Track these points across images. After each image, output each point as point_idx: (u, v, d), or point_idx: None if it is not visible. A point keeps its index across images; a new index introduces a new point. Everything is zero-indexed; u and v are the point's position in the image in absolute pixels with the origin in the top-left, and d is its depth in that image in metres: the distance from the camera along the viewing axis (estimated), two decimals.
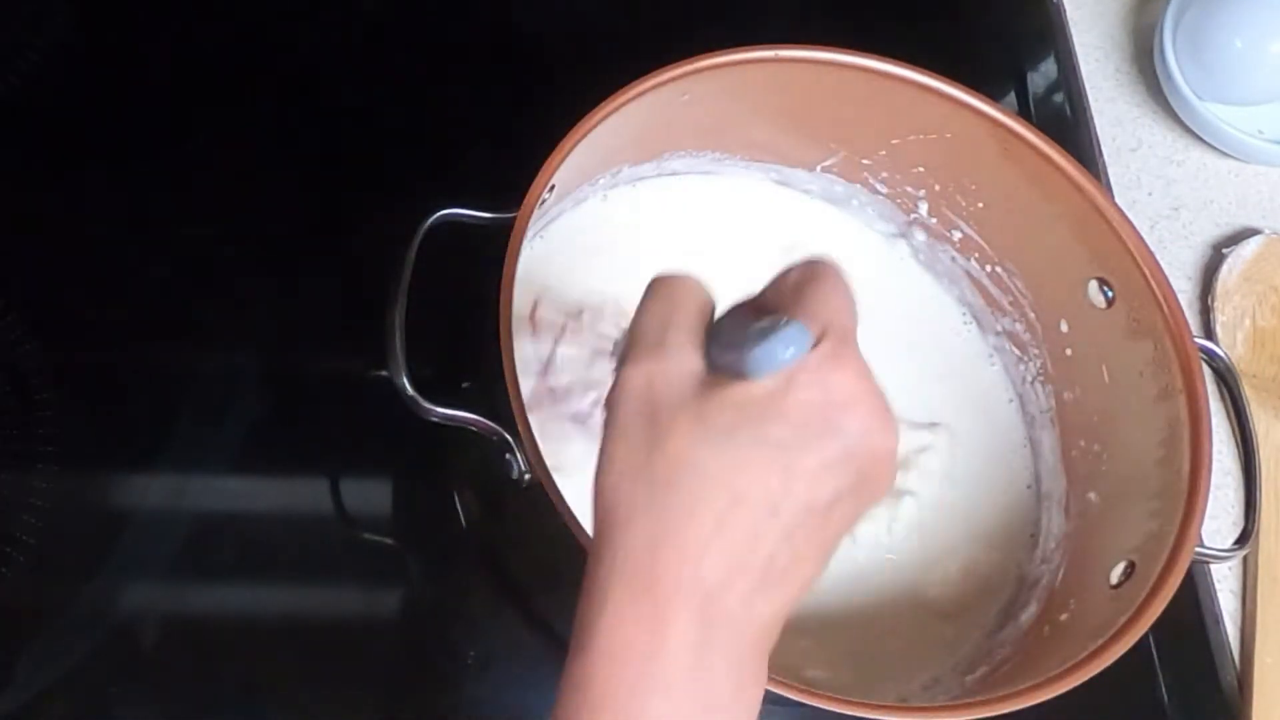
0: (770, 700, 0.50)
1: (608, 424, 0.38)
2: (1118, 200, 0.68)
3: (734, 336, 0.38)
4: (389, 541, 0.64)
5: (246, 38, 0.76)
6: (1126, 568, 0.55)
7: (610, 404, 0.39)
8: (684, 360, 0.38)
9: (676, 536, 0.36)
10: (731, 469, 0.36)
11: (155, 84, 0.73)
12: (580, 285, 0.64)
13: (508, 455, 0.51)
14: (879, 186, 0.69)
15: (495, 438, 0.51)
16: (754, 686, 0.37)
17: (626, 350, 0.39)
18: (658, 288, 0.41)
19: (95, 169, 0.70)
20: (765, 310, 0.40)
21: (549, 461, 0.50)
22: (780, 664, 0.57)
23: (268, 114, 0.73)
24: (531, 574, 0.61)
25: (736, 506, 0.36)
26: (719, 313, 0.41)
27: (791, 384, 0.36)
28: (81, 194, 0.69)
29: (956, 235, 0.68)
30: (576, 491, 0.57)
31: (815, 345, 0.37)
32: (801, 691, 0.48)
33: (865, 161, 0.68)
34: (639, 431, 0.37)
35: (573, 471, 0.59)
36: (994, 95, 0.66)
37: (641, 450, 0.37)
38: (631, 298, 0.42)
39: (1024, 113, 0.81)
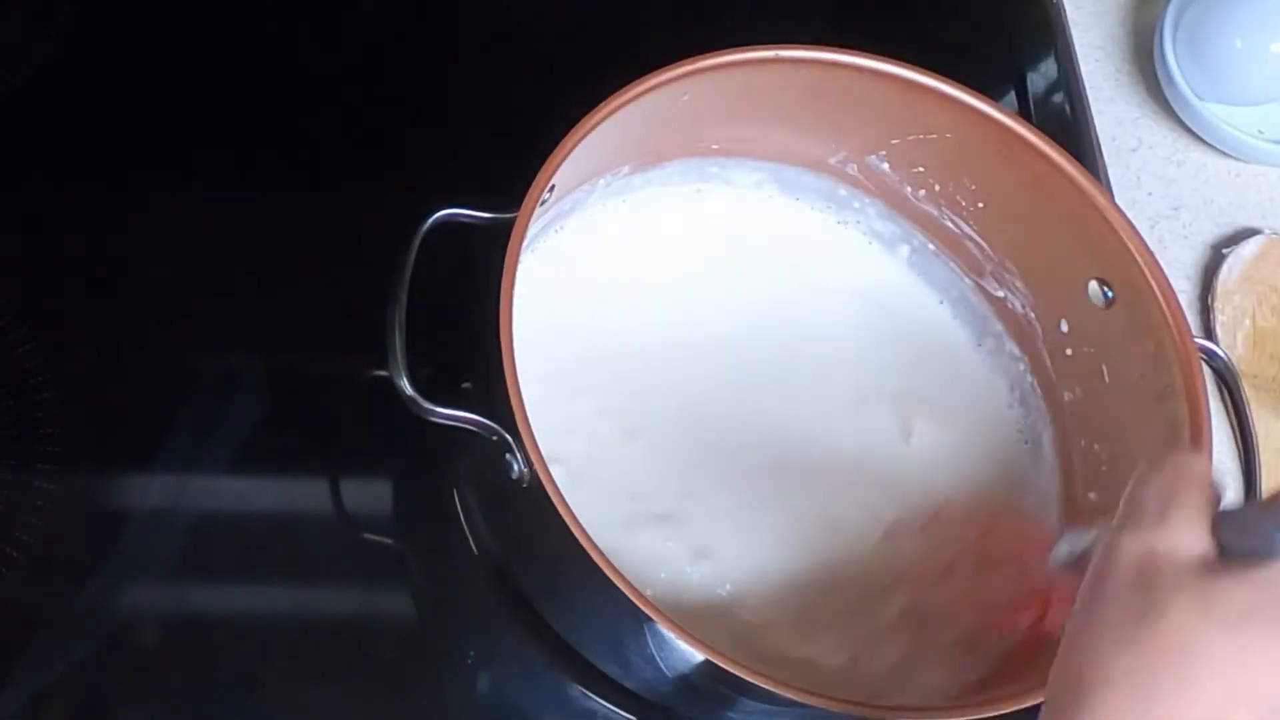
0: (770, 700, 0.51)
1: (1093, 588, 0.37)
2: (1118, 200, 0.68)
3: (1249, 523, 0.36)
4: (389, 541, 0.64)
5: (246, 39, 0.75)
6: None
7: (1099, 570, 0.37)
8: (1190, 537, 0.36)
9: (1164, 713, 0.33)
10: (1235, 658, 0.33)
11: (155, 85, 0.73)
12: (585, 288, 0.65)
13: (508, 455, 0.51)
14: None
15: (495, 438, 0.51)
16: None
17: (1123, 521, 0.37)
18: (1168, 465, 0.39)
19: (96, 169, 0.70)
20: None
21: (547, 452, 0.50)
22: (785, 661, 0.57)
23: (268, 114, 0.73)
24: (531, 574, 0.61)
25: (1236, 700, 0.33)
26: (1228, 506, 0.39)
27: None
28: (82, 194, 0.69)
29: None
30: (577, 486, 0.58)
31: None
32: (801, 691, 0.48)
33: (865, 161, 0.68)
34: (1129, 599, 0.35)
35: (571, 462, 0.59)
36: (994, 95, 0.66)
37: (1130, 618, 0.35)
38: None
39: (1024, 113, 0.81)
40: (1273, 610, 0.34)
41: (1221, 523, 0.37)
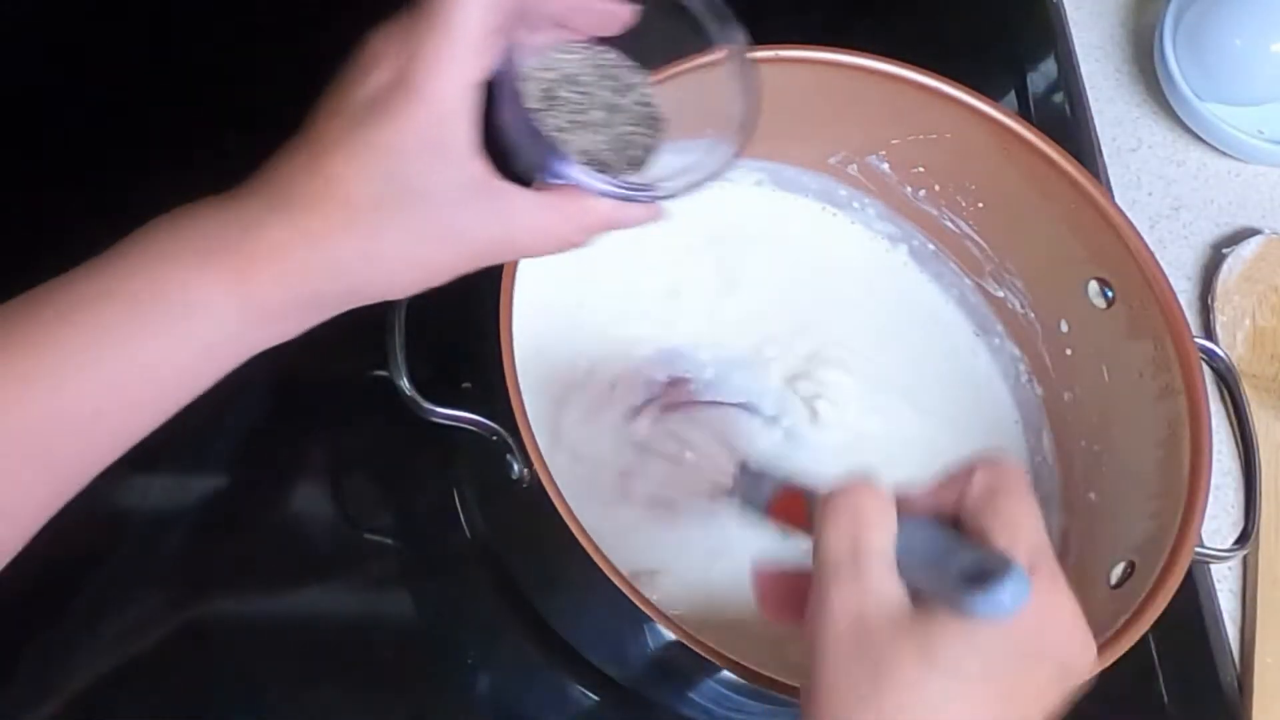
0: (771, 701, 0.51)
1: (815, 651, 0.39)
2: (1118, 200, 0.68)
3: (934, 564, 0.38)
4: (389, 541, 0.64)
5: (245, 38, 0.75)
6: (1126, 568, 0.55)
7: (815, 630, 0.39)
8: (889, 589, 0.38)
9: None
10: (962, 700, 0.37)
11: (155, 82, 0.73)
12: (584, 288, 0.65)
13: (508, 455, 0.51)
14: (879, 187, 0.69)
15: (495, 438, 0.51)
16: None
17: (821, 572, 0.39)
18: (841, 502, 0.40)
19: (95, 168, 0.70)
20: (950, 518, 0.40)
21: (547, 451, 0.50)
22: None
23: (266, 114, 0.73)
24: (531, 574, 0.61)
25: None
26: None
27: (1013, 620, 0.37)
28: (81, 193, 0.69)
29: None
30: (578, 485, 0.58)
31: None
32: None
33: (865, 161, 0.68)
34: (856, 661, 0.38)
35: (571, 461, 0.59)
36: (994, 95, 0.66)
37: (864, 679, 0.37)
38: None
39: (1024, 113, 0.81)
40: (979, 657, 0.37)
41: (903, 553, 0.39)
